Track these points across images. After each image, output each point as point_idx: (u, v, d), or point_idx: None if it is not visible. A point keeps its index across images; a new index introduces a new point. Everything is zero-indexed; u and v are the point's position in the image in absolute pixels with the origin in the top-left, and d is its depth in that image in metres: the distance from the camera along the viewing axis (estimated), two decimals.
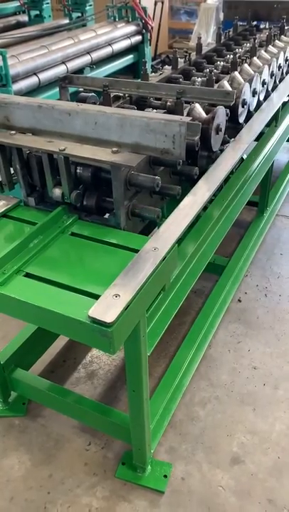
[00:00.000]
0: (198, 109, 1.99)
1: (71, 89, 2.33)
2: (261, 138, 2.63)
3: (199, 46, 2.91)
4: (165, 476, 1.96)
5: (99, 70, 4.24)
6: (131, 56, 4.77)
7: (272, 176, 3.24)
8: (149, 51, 4.97)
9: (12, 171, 1.73)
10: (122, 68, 4.69)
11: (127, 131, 1.50)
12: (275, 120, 2.71)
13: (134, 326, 1.39)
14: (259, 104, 2.50)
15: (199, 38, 2.94)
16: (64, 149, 1.50)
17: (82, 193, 1.64)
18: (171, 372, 2.19)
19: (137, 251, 1.46)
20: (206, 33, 6.68)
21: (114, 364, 2.51)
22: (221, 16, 6.88)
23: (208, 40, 6.58)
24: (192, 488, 1.95)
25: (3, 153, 1.65)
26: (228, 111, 2.06)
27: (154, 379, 2.31)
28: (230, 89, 2.14)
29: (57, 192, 1.61)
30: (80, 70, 3.98)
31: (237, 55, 2.56)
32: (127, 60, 4.71)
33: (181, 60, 2.76)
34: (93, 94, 2.15)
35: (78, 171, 1.64)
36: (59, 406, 2.11)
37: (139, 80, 2.26)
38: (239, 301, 2.89)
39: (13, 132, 1.63)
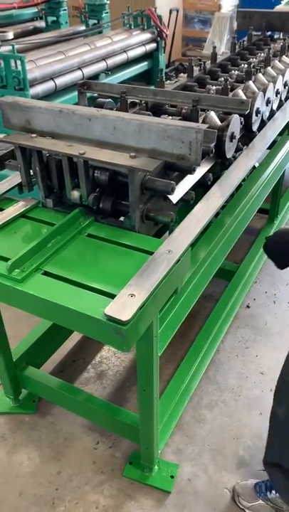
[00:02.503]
0: (213, 116, 2.03)
1: (87, 95, 2.39)
2: (274, 146, 2.67)
3: (214, 55, 2.96)
4: (172, 477, 1.99)
5: (114, 76, 4.31)
6: (145, 63, 4.84)
7: (283, 184, 3.28)
8: (163, 59, 5.04)
9: (31, 173, 1.78)
10: (136, 75, 4.76)
11: (144, 136, 1.55)
12: (287, 129, 2.75)
13: (148, 326, 1.42)
14: (272, 113, 2.54)
15: (214, 47, 2.98)
16: (84, 153, 1.55)
17: (99, 196, 1.69)
18: (180, 375, 2.22)
19: (151, 253, 1.50)
20: (219, 42, 6.75)
21: (123, 365, 2.54)
22: (235, 25, 6.99)
23: (222, 49, 6.65)
24: (198, 489, 1.98)
25: (24, 155, 1.70)
26: (242, 119, 2.11)
27: (162, 382, 2.33)
28: (244, 98, 2.18)
29: (75, 194, 1.66)
30: (95, 76, 4.05)
31: (251, 65, 2.60)
32: (142, 67, 4.78)
33: (195, 69, 2.81)
34: (110, 100, 2.20)
35: (96, 174, 1.69)
36: (69, 404, 2.15)
37: (155, 88, 2.31)
38: (248, 307, 2.91)
39: (34, 135, 1.68)
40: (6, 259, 1.49)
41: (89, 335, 1.40)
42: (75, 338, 2.68)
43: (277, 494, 1.82)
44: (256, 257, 3.03)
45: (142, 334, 1.38)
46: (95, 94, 2.40)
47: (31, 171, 1.77)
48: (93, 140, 1.65)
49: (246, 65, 2.77)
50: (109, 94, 2.21)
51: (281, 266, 1.76)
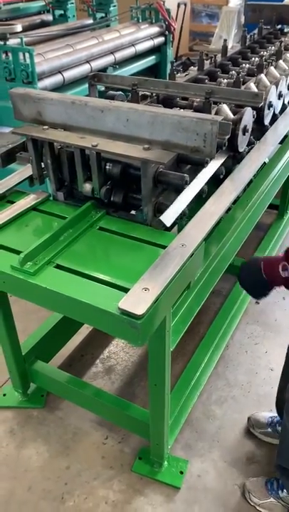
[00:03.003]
0: (226, 109, 2.01)
1: (97, 88, 2.36)
2: (285, 141, 2.63)
3: (224, 48, 2.93)
4: (181, 473, 1.98)
5: (121, 70, 4.28)
6: (153, 57, 4.80)
7: None
8: (171, 53, 5.00)
9: (42, 166, 1.77)
10: (144, 69, 4.72)
11: (158, 128, 1.53)
12: None
13: (161, 321, 1.41)
14: (284, 107, 2.50)
15: (225, 40, 2.95)
16: (96, 145, 1.53)
17: (110, 189, 1.67)
18: (189, 370, 2.21)
19: (163, 247, 1.49)
20: (227, 36, 6.68)
21: (131, 360, 2.53)
22: (242, 19, 6.92)
23: (230, 44, 6.59)
24: (208, 485, 1.96)
25: (36, 147, 1.68)
26: (254, 112, 2.08)
27: (171, 377, 2.30)
28: (257, 91, 2.16)
29: (87, 187, 1.64)
30: (103, 70, 4.01)
31: (263, 58, 2.57)
32: (150, 60, 4.74)
33: (205, 62, 2.78)
34: (121, 92, 2.18)
35: (108, 167, 1.67)
36: (78, 399, 2.14)
37: (167, 80, 2.28)
38: (257, 303, 2.89)
39: (46, 127, 1.66)
40: (17, 252, 1.48)
41: (102, 329, 1.38)
42: (84, 332, 2.67)
43: None
44: (266, 252, 3.01)
45: (155, 328, 1.36)
46: (102, 88, 2.38)
47: (42, 163, 1.75)
48: (106, 132, 1.63)
49: (257, 59, 2.73)
50: (120, 87, 2.19)
51: (256, 296, 1.78)
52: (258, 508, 1.86)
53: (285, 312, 2.84)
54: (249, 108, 1.98)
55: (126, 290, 1.32)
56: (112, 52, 4.08)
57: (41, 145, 1.71)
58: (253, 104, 1.98)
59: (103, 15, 4.93)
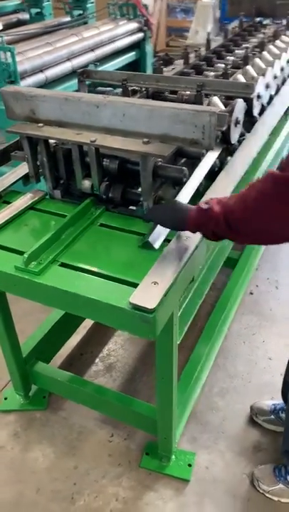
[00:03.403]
0: (217, 101, 2.01)
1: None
2: (271, 132, 2.65)
3: (208, 42, 2.94)
4: (189, 465, 1.99)
5: (102, 66, 4.24)
6: (133, 53, 4.78)
7: None
8: (150, 48, 4.99)
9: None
10: (124, 65, 4.70)
11: (155, 122, 1.52)
12: (285, 114, 2.74)
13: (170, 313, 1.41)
14: (270, 98, 2.52)
15: (208, 34, 2.97)
16: (95, 141, 1.52)
17: (109, 185, 1.66)
18: (192, 363, 2.21)
19: (167, 241, 1.48)
20: (203, 31, 6.70)
21: (131, 357, 2.53)
22: (217, 13, 6.96)
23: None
24: (217, 476, 1.98)
25: (31, 145, 1.66)
26: (244, 104, 2.09)
27: None
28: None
29: (86, 183, 1.63)
30: (84, 67, 3.95)
31: (248, 50, 2.58)
32: (130, 57, 4.72)
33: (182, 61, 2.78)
34: (111, 88, 2.17)
35: (105, 163, 1.66)
36: (81, 398, 2.13)
37: (157, 74, 2.28)
38: (251, 293, 2.92)
39: (41, 125, 1.63)
40: (20, 252, 1.46)
41: (113, 325, 1.38)
42: (81, 332, 2.66)
43: None
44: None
45: (165, 322, 1.36)
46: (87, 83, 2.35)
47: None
48: (101, 127, 1.61)
49: (241, 51, 2.75)
50: (109, 82, 2.17)
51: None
52: (267, 495, 1.88)
53: (278, 301, 2.88)
54: (240, 99, 1.98)
55: (133, 285, 1.32)
56: (92, 49, 4.04)
57: (36, 143, 1.69)
58: (244, 95, 1.99)
59: (80, 12, 4.88)
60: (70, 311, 1.48)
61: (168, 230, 1.48)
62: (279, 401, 2.14)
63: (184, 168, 1.61)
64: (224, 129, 1.73)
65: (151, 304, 1.22)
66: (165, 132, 1.53)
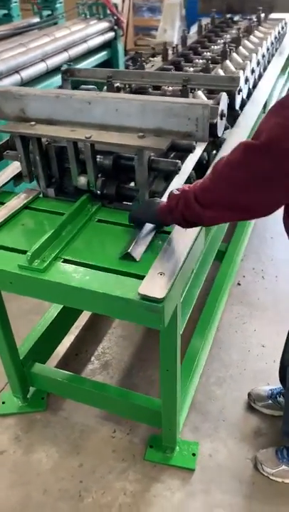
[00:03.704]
0: (202, 95, 2.05)
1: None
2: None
3: (184, 38, 2.98)
4: (193, 454, 2.02)
5: (76, 66, 4.23)
6: (105, 53, 4.79)
7: None
8: (121, 47, 5.01)
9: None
10: (97, 65, 4.70)
11: (149, 116, 1.54)
12: (263, 107, 2.81)
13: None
14: (249, 91, 2.58)
15: (184, 30, 3.00)
16: (90, 137, 1.53)
17: (105, 181, 1.67)
18: (190, 355, 2.24)
19: (167, 233, 1.50)
20: (172, 29, 6.76)
21: (126, 353, 2.54)
22: (183, 12, 7.02)
23: (175, 36, 6.68)
24: (221, 463, 2.01)
25: (24, 144, 1.65)
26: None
27: None
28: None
29: (82, 180, 1.63)
30: (58, 67, 3.96)
31: (226, 45, 2.63)
32: (102, 56, 4.73)
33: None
34: (94, 86, 2.17)
35: (98, 159, 1.66)
36: (82, 396, 2.13)
37: (142, 70, 2.29)
38: (239, 284, 2.97)
39: (33, 123, 1.63)
40: (20, 251, 1.46)
41: (122, 317, 1.40)
42: (74, 332, 2.65)
43: None
44: (242, 235, 3.09)
45: (172, 311, 1.38)
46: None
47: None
48: (94, 124, 1.62)
49: (218, 47, 2.80)
50: (93, 80, 2.18)
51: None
52: (271, 477, 1.93)
53: (266, 290, 2.94)
54: (224, 93, 2.02)
55: (137, 277, 1.34)
56: (65, 49, 4.03)
57: (28, 142, 1.68)
58: (229, 89, 2.03)
59: (49, 12, 4.85)
60: (76, 306, 1.49)
61: (148, 239, 1.47)
62: (275, 386, 2.19)
63: (177, 161, 1.63)
64: (215, 121, 1.76)
65: (160, 294, 1.24)
66: (159, 126, 1.55)
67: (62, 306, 2.37)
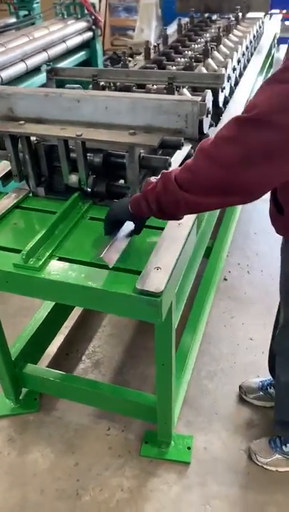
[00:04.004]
0: (187, 93, 2.07)
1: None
2: None
3: (165, 37, 3.00)
4: (188, 448, 2.04)
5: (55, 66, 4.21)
6: (83, 53, 4.78)
7: None
8: (100, 47, 5.00)
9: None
10: (76, 65, 4.68)
11: (139, 113, 1.55)
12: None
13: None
14: (231, 89, 2.62)
15: (165, 29, 3.02)
16: (81, 135, 1.53)
17: (96, 179, 1.67)
18: (181, 350, 2.26)
19: (160, 228, 1.52)
20: (149, 29, 6.79)
21: (117, 351, 2.54)
22: (159, 11, 7.06)
23: (152, 36, 6.71)
24: (216, 455, 2.04)
25: (14, 144, 1.65)
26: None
27: None
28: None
29: (73, 178, 1.64)
30: (38, 68, 3.94)
31: (208, 44, 2.66)
32: (81, 56, 4.71)
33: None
34: (79, 85, 2.17)
35: (89, 157, 1.67)
36: (76, 395, 2.13)
37: (128, 69, 2.31)
38: (225, 279, 3.01)
39: (22, 122, 1.62)
40: (14, 251, 1.46)
41: (119, 313, 1.41)
42: (64, 332, 2.64)
43: None
44: (226, 232, 3.13)
45: (169, 305, 1.40)
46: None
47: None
48: (84, 122, 1.62)
49: (198, 46, 2.83)
50: (79, 79, 2.18)
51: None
52: (265, 466, 1.97)
53: (252, 285, 2.99)
54: (209, 91, 2.05)
55: (133, 272, 1.36)
56: (44, 49, 4.01)
57: (16, 141, 1.67)
58: (214, 86, 2.06)
59: (26, 12, 4.82)
60: (73, 303, 1.50)
61: (124, 244, 1.39)
62: (266, 378, 2.23)
63: (167, 157, 1.65)
64: (203, 117, 1.79)
65: (158, 288, 1.26)
66: (149, 123, 1.57)
67: (52, 306, 2.37)
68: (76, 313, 2.73)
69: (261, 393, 2.21)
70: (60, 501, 1.89)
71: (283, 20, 5.12)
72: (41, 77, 3.93)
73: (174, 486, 1.93)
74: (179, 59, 2.70)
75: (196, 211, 1.38)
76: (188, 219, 1.52)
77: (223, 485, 1.93)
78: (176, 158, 1.79)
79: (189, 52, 2.85)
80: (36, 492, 1.92)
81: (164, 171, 1.26)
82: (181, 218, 1.34)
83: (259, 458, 1.97)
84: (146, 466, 2.00)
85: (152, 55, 2.79)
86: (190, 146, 1.91)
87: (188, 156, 1.94)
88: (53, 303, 2.36)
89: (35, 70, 3.93)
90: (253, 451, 2.00)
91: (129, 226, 1.44)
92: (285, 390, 1.88)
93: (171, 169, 1.28)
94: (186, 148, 1.86)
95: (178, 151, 1.83)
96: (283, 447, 1.95)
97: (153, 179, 1.29)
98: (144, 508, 1.86)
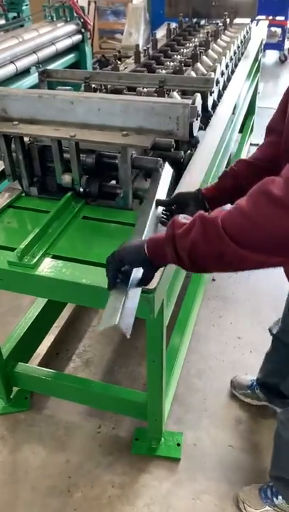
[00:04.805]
0: (177, 96, 2.12)
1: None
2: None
3: (155, 41, 3.04)
4: (178, 445, 2.07)
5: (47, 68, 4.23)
6: (73, 55, 4.81)
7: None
8: (89, 50, 5.03)
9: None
10: (66, 67, 4.71)
11: (131, 115, 1.59)
12: (233, 109, 2.90)
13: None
14: (220, 93, 2.67)
15: (154, 33, 3.07)
16: (75, 135, 1.56)
17: (89, 179, 1.71)
18: (171, 348, 2.29)
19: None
20: (137, 33, 6.85)
21: (107, 350, 2.57)
22: (148, 15, 7.13)
23: (140, 40, 6.77)
24: (205, 451, 2.08)
25: (8, 144, 1.67)
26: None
27: None
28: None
29: (67, 178, 1.67)
30: (27, 70, 3.96)
31: (197, 48, 2.72)
32: (70, 59, 4.74)
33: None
34: (71, 88, 2.20)
35: (82, 157, 1.70)
36: (67, 393, 2.14)
37: (119, 72, 2.34)
38: (213, 280, 3.06)
39: (16, 123, 1.65)
40: (8, 249, 1.49)
41: None
42: (54, 331, 2.66)
43: (284, 501, 1.78)
44: None
45: (161, 302, 1.43)
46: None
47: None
48: (77, 123, 1.66)
49: (190, 49, 2.88)
50: (71, 81, 2.21)
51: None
52: None
53: (239, 285, 3.04)
54: (199, 94, 2.10)
55: None
56: (34, 51, 4.03)
57: (10, 141, 1.70)
58: (203, 90, 2.10)
59: (15, 14, 4.83)
60: (68, 300, 1.52)
61: (136, 305, 1.14)
62: (256, 377, 2.27)
63: (159, 159, 1.69)
64: (193, 120, 1.83)
65: (152, 284, 1.29)
66: (141, 125, 1.61)
67: (42, 306, 2.38)
68: (66, 313, 2.75)
69: (249, 391, 2.26)
70: (52, 498, 1.91)
71: (269, 26, 5.23)
72: (31, 79, 3.96)
73: (164, 482, 1.96)
74: (168, 63, 2.75)
75: (241, 269, 0.98)
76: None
77: (213, 480, 1.97)
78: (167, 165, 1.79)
79: (178, 57, 2.90)
80: (27, 489, 1.94)
81: (202, 212, 0.96)
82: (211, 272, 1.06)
83: (248, 507, 1.82)
84: (136, 463, 2.03)
85: (142, 59, 2.84)
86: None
87: (177, 159, 1.97)
88: (44, 303, 2.38)
89: (25, 72, 3.95)
90: (242, 499, 1.85)
91: (137, 274, 1.16)
92: (286, 447, 1.72)
93: (215, 212, 0.93)
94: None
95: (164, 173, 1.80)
96: (274, 499, 1.80)
97: (182, 218, 0.99)
98: (136, 503, 1.89)
